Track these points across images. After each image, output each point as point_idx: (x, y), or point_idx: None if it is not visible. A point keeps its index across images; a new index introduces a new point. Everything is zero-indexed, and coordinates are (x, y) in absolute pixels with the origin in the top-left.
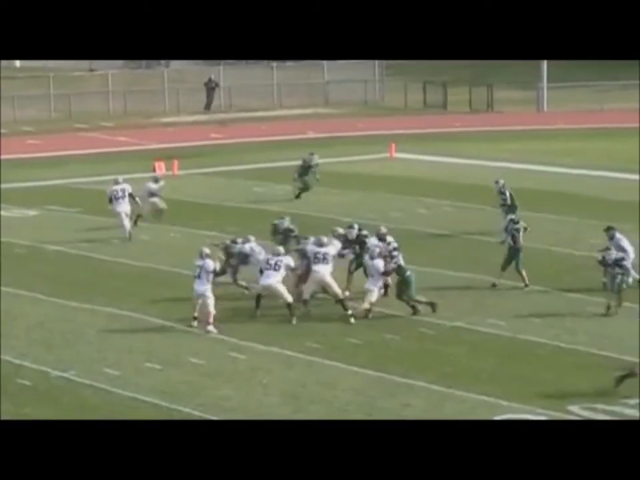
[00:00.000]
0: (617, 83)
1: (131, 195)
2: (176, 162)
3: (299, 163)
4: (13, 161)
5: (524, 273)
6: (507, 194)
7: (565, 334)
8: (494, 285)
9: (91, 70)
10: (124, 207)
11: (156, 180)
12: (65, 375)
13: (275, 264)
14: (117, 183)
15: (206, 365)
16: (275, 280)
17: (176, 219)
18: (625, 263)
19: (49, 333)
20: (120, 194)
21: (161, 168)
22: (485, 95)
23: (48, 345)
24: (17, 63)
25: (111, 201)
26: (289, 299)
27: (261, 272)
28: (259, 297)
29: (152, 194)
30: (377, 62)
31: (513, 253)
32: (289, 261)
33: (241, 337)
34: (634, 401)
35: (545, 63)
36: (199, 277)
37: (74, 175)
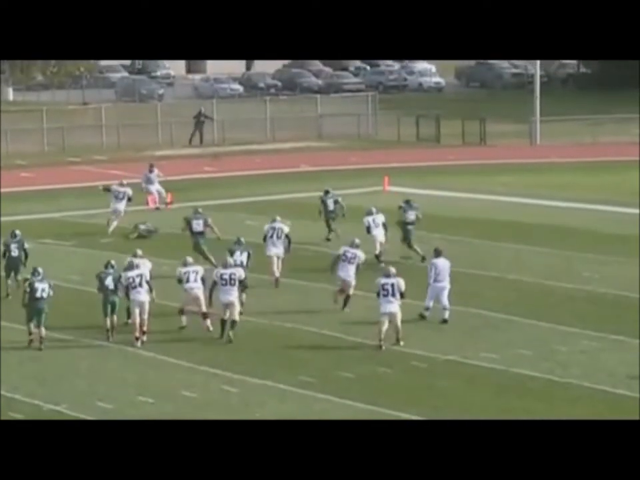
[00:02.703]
0: (610, 117)
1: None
2: (169, 195)
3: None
4: (6, 194)
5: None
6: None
7: (558, 367)
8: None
9: (85, 103)
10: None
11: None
12: (57, 408)
13: (230, 278)
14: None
15: (198, 398)
16: (235, 296)
17: (169, 251)
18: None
19: (41, 366)
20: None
21: (154, 201)
22: (477, 128)
23: (40, 379)
24: (10, 96)
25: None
26: (237, 317)
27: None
28: (223, 322)
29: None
30: (369, 96)
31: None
32: (241, 273)
33: (234, 370)
34: None
35: (537, 98)
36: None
37: (67, 209)
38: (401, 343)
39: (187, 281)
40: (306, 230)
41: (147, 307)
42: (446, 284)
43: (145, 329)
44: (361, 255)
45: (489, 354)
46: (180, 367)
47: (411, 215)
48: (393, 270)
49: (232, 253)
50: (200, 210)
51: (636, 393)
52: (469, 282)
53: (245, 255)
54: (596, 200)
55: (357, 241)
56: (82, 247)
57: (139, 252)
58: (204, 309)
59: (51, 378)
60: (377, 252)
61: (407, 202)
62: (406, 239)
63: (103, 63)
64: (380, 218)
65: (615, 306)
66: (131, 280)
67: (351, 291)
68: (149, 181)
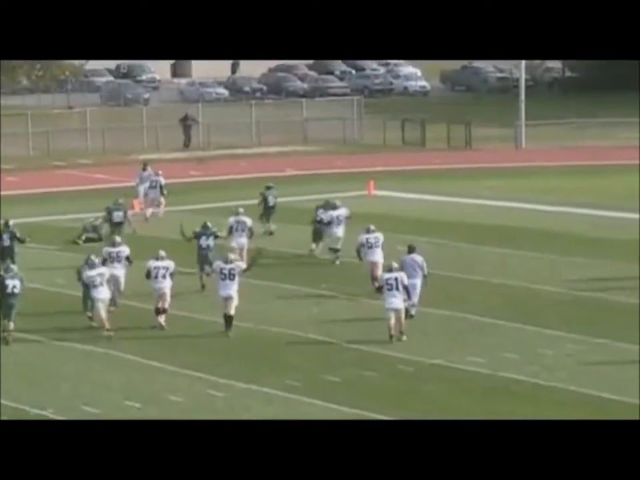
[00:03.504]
0: (595, 120)
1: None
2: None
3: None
4: None
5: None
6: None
7: (544, 371)
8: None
9: (70, 107)
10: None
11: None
12: (43, 412)
13: (229, 272)
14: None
15: (184, 403)
16: (234, 290)
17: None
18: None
19: (27, 370)
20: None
21: (140, 205)
22: (463, 132)
23: (26, 383)
24: None
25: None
26: (232, 311)
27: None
28: (226, 317)
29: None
30: (355, 100)
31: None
32: (242, 267)
33: (219, 374)
34: None
35: (523, 102)
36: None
37: (52, 213)
38: (404, 337)
39: (156, 277)
40: (291, 234)
41: (107, 302)
42: (416, 281)
43: (107, 326)
44: (380, 236)
45: (474, 358)
46: (164, 371)
47: (327, 216)
48: (395, 265)
49: (198, 237)
50: (120, 201)
51: (622, 396)
52: (454, 286)
53: (210, 239)
54: (581, 204)
55: (372, 227)
56: (67, 251)
57: (118, 239)
58: (167, 305)
59: (36, 382)
60: (337, 247)
61: (327, 202)
62: (316, 237)
63: (88, 67)
64: (344, 213)
65: (601, 309)
66: (92, 279)
67: (379, 272)
68: (141, 180)
